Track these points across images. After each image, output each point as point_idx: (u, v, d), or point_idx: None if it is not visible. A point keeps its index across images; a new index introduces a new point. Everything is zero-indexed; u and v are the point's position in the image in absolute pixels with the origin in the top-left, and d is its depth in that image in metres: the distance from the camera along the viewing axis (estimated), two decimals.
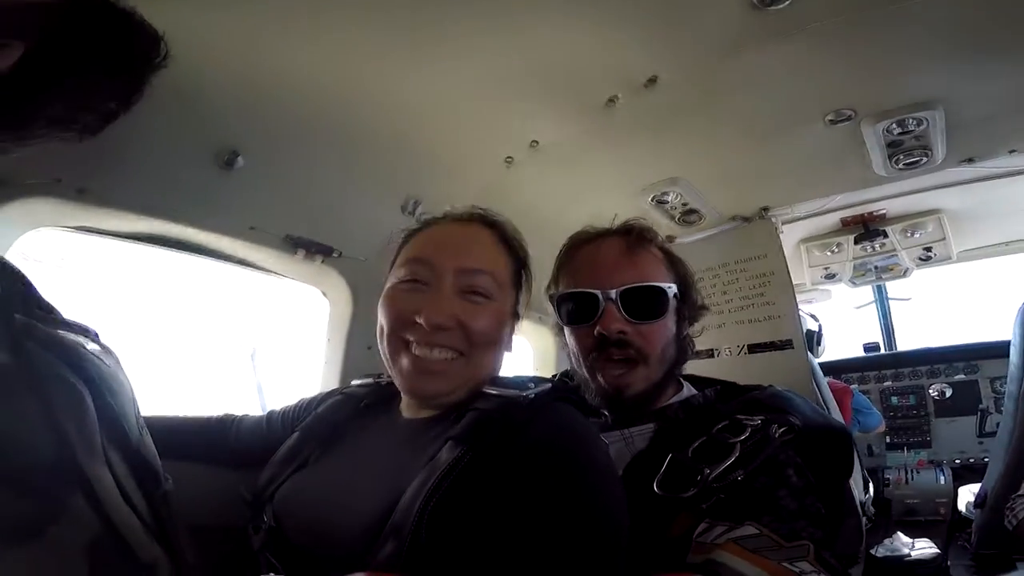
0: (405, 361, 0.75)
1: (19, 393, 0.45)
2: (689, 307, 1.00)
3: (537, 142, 1.40)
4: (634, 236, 0.97)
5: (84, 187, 0.97)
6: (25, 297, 0.56)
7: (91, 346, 0.56)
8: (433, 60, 1.10)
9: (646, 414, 0.93)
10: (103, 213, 1.04)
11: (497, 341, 0.79)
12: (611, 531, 0.63)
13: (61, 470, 0.46)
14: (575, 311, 0.96)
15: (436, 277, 0.76)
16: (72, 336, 0.55)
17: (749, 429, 0.80)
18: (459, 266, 0.76)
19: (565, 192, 1.60)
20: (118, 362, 0.59)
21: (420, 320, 0.73)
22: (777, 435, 0.80)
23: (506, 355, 0.85)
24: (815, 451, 0.82)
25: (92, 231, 1.09)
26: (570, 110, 1.31)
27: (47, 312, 0.57)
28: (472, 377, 0.77)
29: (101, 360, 0.56)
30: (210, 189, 1.14)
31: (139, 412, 0.60)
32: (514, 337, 0.88)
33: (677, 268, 1.00)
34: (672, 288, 0.96)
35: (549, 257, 1.19)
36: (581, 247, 1.01)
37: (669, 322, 0.96)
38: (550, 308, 1.04)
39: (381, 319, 0.78)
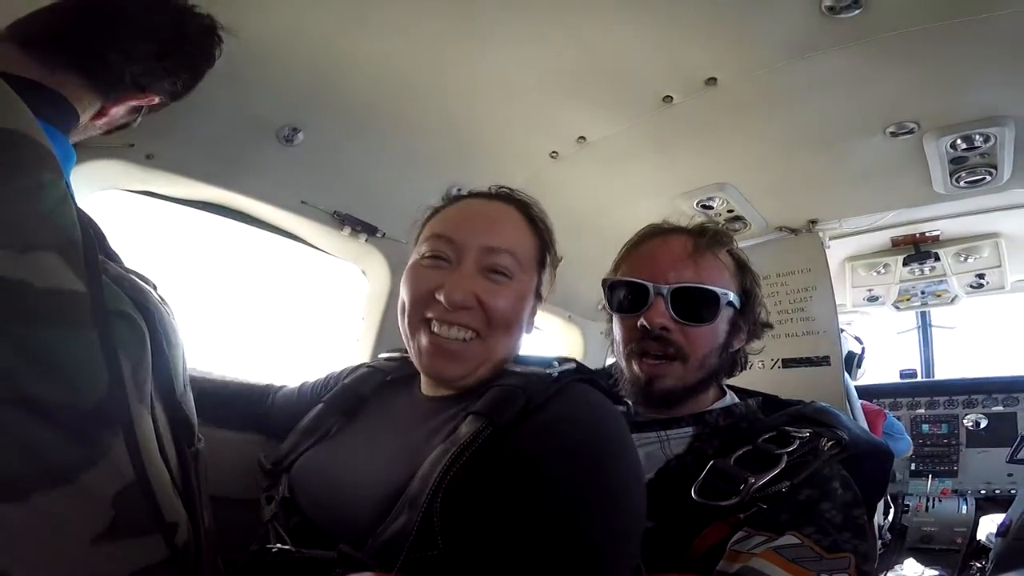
0: (424, 340, 0.74)
1: (86, 324, 0.44)
2: (749, 321, 0.97)
3: (584, 138, 1.40)
4: (706, 238, 0.94)
5: (153, 153, 1.02)
6: (99, 241, 0.58)
7: (155, 295, 0.57)
8: (487, 50, 1.10)
9: (684, 418, 0.92)
10: (167, 178, 1.09)
11: (516, 322, 0.78)
12: (627, 512, 0.62)
13: (109, 412, 0.44)
14: (624, 299, 0.95)
15: (458, 254, 0.75)
16: (139, 280, 0.56)
17: (797, 441, 0.79)
18: (482, 244, 0.75)
19: (609, 190, 1.59)
20: (173, 315, 0.59)
21: (440, 297, 0.72)
22: (825, 448, 0.79)
23: (526, 337, 0.83)
24: (858, 467, 0.81)
25: (154, 195, 1.15)
26: (622, 108, 1.30)
27: (114, 260, 0.58)
28: (489, 359, 0.76)
29: (162, 308, 0.56)
30: (269, 162, 1.18)
31: (186, 367, 0.60)
32: (535, 320, 0.86)
33: (743, 279, 0.97)
34: (728, 295, 0.93)
35: (588, 254, 1.18)
36: (648, 239, 0.99)
37: (718, 330, 0.93)
38: (585, 302, 1.03)
39: (403, 295, 0.77)
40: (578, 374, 0.74)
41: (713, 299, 0.91)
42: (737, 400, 0.98)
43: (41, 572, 0.40)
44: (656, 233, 1.00)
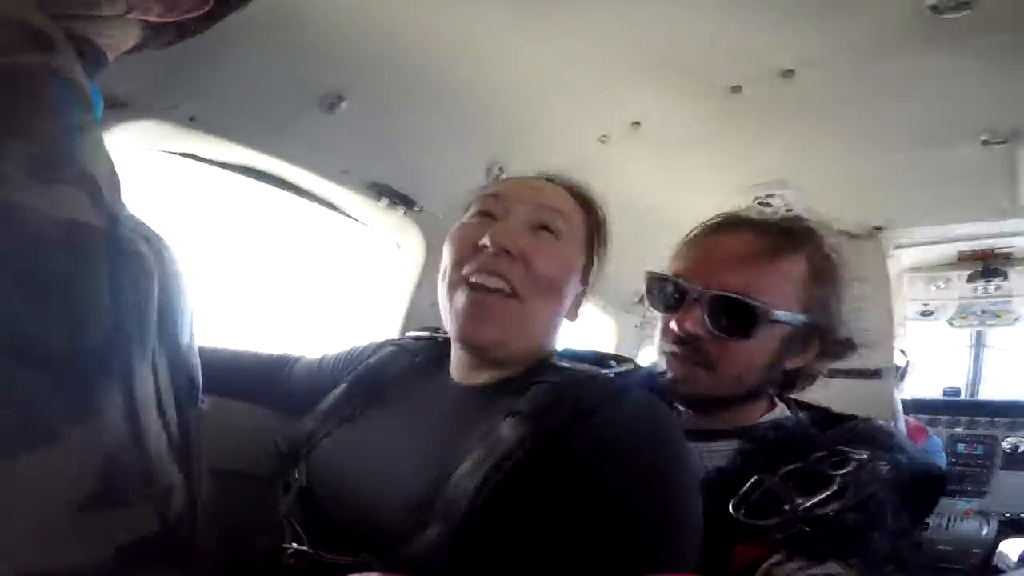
0: (461, 298, 0.69)
1: (98, 259, 0.39)
2: (825, 339, 0.86)
3: (639, 123, 1.32)
4: (777, 240, 0.82)
5: (196, 115, 1.00)
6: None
7: (165, 239, 0.52)
8: (544, 26, 1.04)
9: (731, 430, 0.84)
10: (209, 141, 1.07)
11: (556, 290, 0.72)
12: (686, 536, 0.57)
13: (106, 360, 0.39)
14: (664, 297, 0.87)
15: (506, 209, 0.73)
16: (151, 225, 0.51)
17: (854, 462, 0.70)
18: (533, 201, 0.74)
19: (660, 180, 1.51)
20: (182, 265, 0.54)
21: (485, 241, 0.68)
22: (883, 473, 0.71)
23: (567, 325, 0.77)
24: (911, 492, 0.73)
25: (195, 158, 1.13)
26: (684, 95, 1.22)
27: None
28: (526, 329, 0.70)
29: (173, 254, 0.51)
30: (311, 129, 1.15)
31: (193, 323, 0.54)
32: (580, 312, 0.81)
33: (817, 291, 0.84)
34: (775, 313, 0.80)
35: (628, 244, 1.11)
36: (712, 234, 0.89)
37: (763, 347, 0.82)
38: (621, 293, 0.96)
39: (445, 255, 0.74)
40: (638, 377, 0.67)
41: (751, 313, 0.79)
42: (788, 413, 0.89)
43: (21, 545, 0.34)
44: (721, 227, 0.89)
